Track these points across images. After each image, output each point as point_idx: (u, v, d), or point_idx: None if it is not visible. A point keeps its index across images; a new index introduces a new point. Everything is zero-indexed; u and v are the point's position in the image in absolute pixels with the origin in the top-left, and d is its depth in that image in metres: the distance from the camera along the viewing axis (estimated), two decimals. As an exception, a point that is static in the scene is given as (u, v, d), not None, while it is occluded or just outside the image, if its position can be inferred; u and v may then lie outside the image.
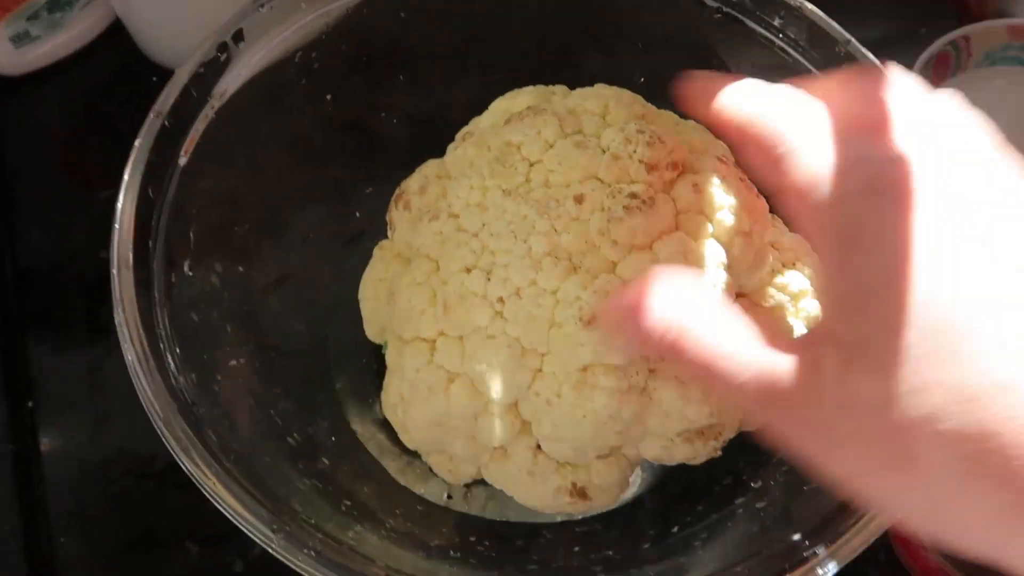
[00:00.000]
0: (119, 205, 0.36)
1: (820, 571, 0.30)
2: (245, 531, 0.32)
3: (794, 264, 0.41)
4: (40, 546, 0.47)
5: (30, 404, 0.50)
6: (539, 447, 0.38)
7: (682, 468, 0.39)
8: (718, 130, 0.31)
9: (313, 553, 0.32)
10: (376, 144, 0.50)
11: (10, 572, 0.46)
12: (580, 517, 0.44)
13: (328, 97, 0.47)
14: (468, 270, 0.37)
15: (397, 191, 0.43)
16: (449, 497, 0.45)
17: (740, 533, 0.36)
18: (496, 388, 0.36)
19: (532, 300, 0.36)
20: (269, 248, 0.46)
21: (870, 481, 0.24)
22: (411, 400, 0.38)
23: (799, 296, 0.39)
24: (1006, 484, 0.21)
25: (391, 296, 0.41)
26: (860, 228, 0.24)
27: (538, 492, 0.39)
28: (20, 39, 0.58)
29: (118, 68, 0.62)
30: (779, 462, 0.39)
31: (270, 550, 0.32)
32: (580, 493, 0.39)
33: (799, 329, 0.39)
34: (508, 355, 0.36)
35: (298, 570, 0.32)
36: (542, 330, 0.36)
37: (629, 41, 0.48)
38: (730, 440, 0.39)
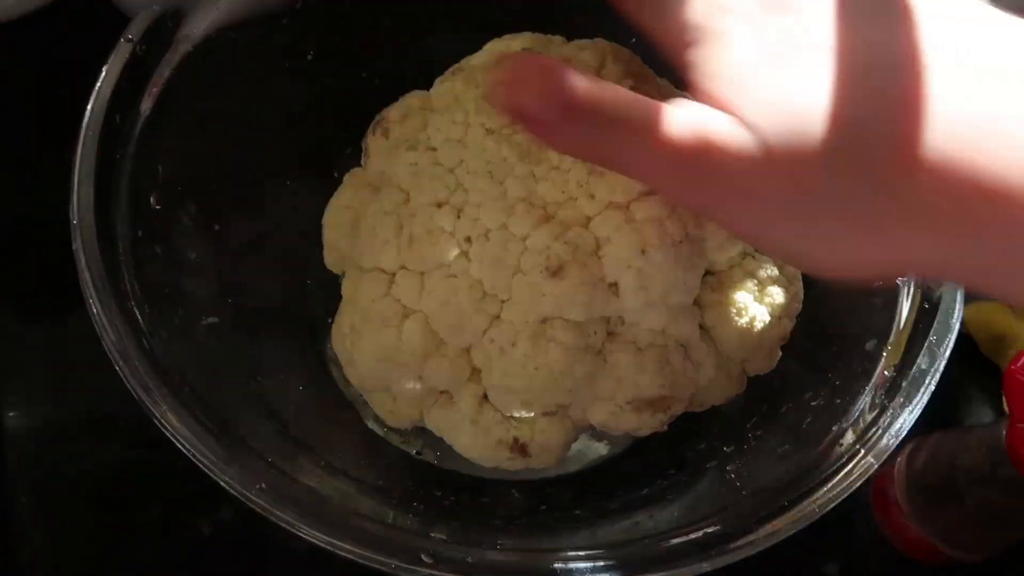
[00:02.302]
0: (79, 147, 0.34)
1: (786, 525, 0.30)
2: (197, 463, 0.30)
3: (766, 250, 0.40)
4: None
5: None
6: (486, 397, 0.38)
7: (656, 435, 0.38)
8: None
9: (264, 486, 0.30)
10: (357, 104, 0.48)
11: (-36, 532, 0.44)
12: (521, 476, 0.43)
13: (309, 57, 0.46)
14: (439, 205, 0.36)
15: (377, 117, 0.42)
16: (418, 453, 0.44)
17: (708, 492, 0.36)
18: (451, 329, 0.35)
19: (500, 244, 0.35)
20: (243, 206, 0.44)
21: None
22: (362, 331, 0.37)
23: (766, 282, 0.39)
24: None
25: (356, 224, 0.40)
26: None
27: (479, 442, 0.38)
28: None
29: (88, 21, 0.59)
30: (753, 427, 0.38)
31: (221, 482, 0.30)
32: (521, 449, 0.38)
33: (762, 316, 0.38)
34: (468, 296, 0.35)
35: (251, 506, 0.30)
36: (506, 275, 0.35)
37: None
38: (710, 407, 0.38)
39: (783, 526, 0.30)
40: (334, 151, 0.49)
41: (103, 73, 0.35)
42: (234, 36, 0.41)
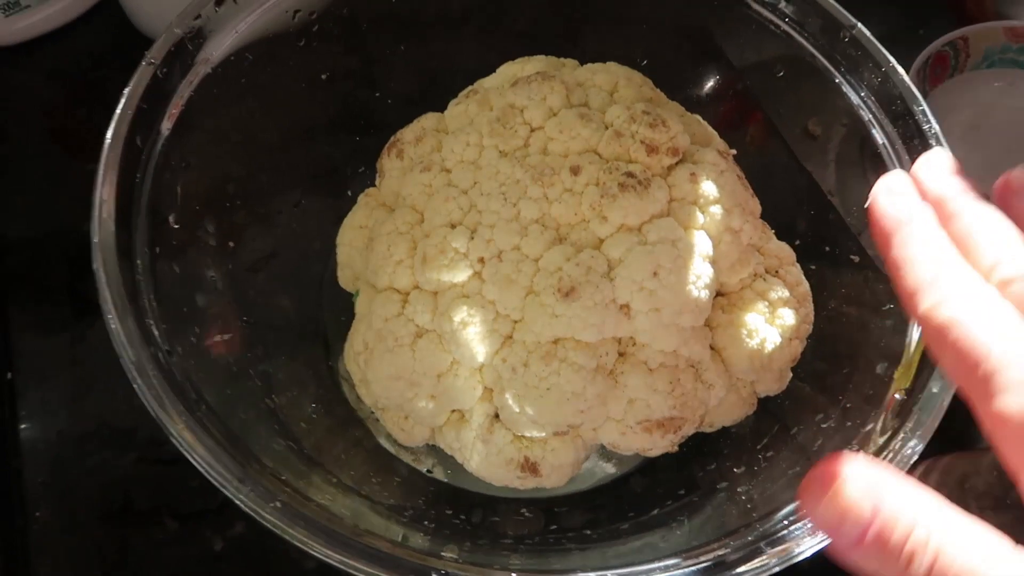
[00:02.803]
0: (101, 168, 0.34)
1: (798, 549, 0.30)
2: (212, 480, 0.30)
3: (776, 271, 0.41)
4: (14, 519, 0.45)
5: (8, 375, 0.49)
6: (497, 416, 0.38)
7: (666, 455, 0.38)
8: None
9: (279, 504, 0.30)
10: (370, 123, 0.49)
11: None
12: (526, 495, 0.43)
13: (324, 77, 0.47)
14: (453, 226, 0.36)
15: (392, 139, 0.42)
16: (429, 471, 0.44)
17: (719, 514, 0.36)
18: (464, 349, 0.36)
19: (513, 265, 0.35)
20: (258, 224, 0.45)
21: None
22: (375, 350, 0.37)
23: (777, 304, 0.39)
24: None
25: (370, 243, 0.40)
26: None
27: (490, 462, 0.38)
28: (10, 7, 0.55)
29: (109, 41, 0.61)
30: (764, 448, 0.38)
31: (236, 500, 0.30)
32: (531, 468, 0.38)
33: (773, 338, 0.39)
34: (481, 317, 0.35)
35: (265, 523, 0.30)
36: (518, 296, 0.35)
37: (631, 22, 0.48)
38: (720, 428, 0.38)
39: (794, 549, 0.30)
40: (348, 171, 0.50)
41: (124, 96, 0.36)
42: (251, 57, 0.41)
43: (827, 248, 0.45)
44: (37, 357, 0.50)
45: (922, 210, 0.27)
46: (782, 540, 0.30)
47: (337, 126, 0.50)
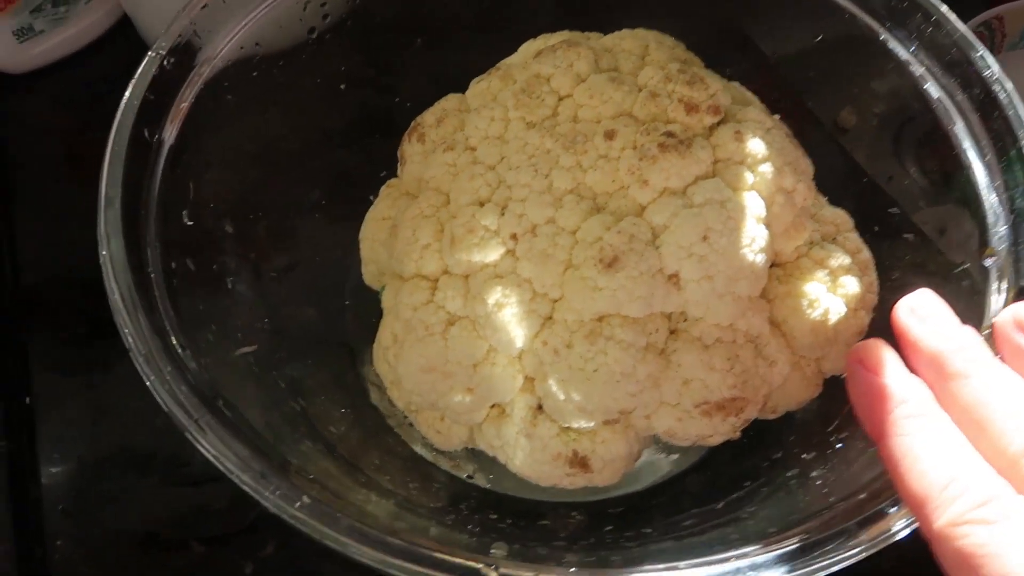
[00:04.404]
0: (107, 160, 0.33)
1: (892, 527, 0.27)
2: (230, 475, 0.27)
3: (834, 239, 0.38)
4: (32, 548, 0.43)
5: (27, 400, 0.47)
6: (540, 408, 0.35)
7: (724, 445, 0.35)
8: None
9: (308, 501, 0.27)
10: (392, 128, 0.47)
11: (-1, 577, 0.43)
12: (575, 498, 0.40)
13: (342, 87, 0.46)
14: (481, 203, 0.34)
15: (412, 123, 0.40)
16: (470, 477, 0.41)
17: (795, 499, 0.32)
18: (500, 334, 0.33)
19: (548, 238, 0.32)
20: (280, 233, 0.43)
21: None
22: (405, 341, 0.35)
23: (838, 272, 0.36)
24: None
25: (393, 231, 0.38)
26: None
27: (535, 459, 0.35)
28: (23, 33, 0.55)
29: (123, 66, 0.60)
30: (836, 429, 0.35)
31: (257, 497, 0.27)
32: (581, 463, 0.35)
33: (837, 308, 0.35)
34: (517, 297, 0.32)
35: (293, 523, 0.27)
36: (556, 272, 0.32)
37: (656, 17, 0.46)
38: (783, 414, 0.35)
39: (890, 527, 0.26)
40: (370, 174, 0.48)
41: (130, 86, 0.34)
42: (262, 56, 0.40)
43: (876, 228, 0.42)
44: (54, 381, 0.48)
45: (918, 388, 0.26)
46: (875, 519, 0.27)
47: (358, 130, 0.48)
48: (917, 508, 0.23)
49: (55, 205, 0.55)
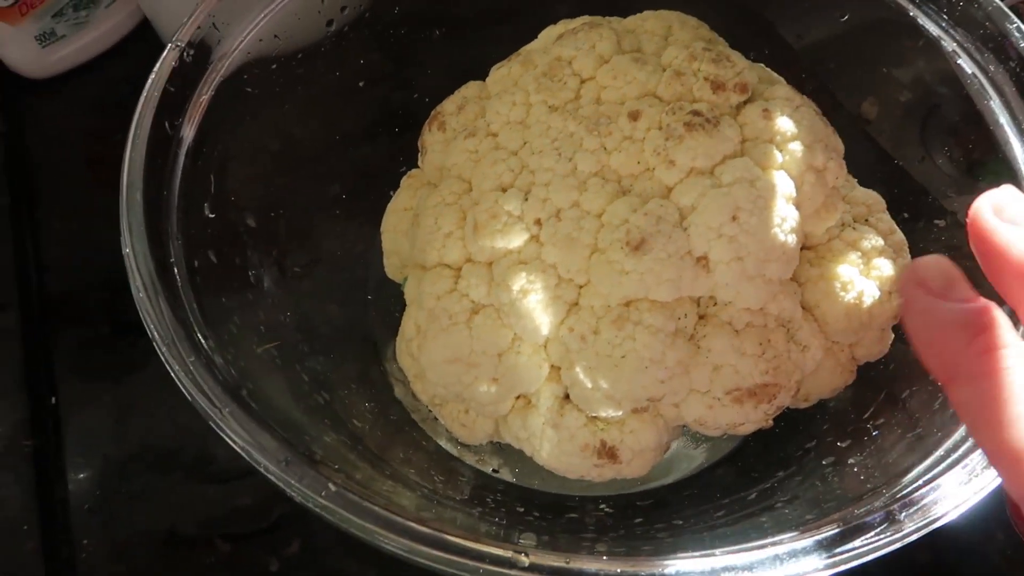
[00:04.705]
0: (127, 151, 0.33)
1: (935, 513, 0.25)
2: (263, 471, 0.27)
3: (866, 220, 0.37)
4: (59, 548, 0.43)
5: (53, 400, 0.47)
6: (567, 398, 0.34)
7: (756, 435, 0.34)
8: None
9: (333, 489, 0.26)
10: (410, 122, 0.47)
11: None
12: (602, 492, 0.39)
13: (361, 84, 0.45)
14: (504, 189, 0.33)
15: (433, 112, 0.40)
16: (495, 471, 0.40)
17: (831, 487, 0.31)
18: (525, 321, 0.32)
19: (573, 222, 0.32)
20: (300, 227, 0.43)
21: None
22: (428, 331, 0.34)
23: (871, 254, 0.35)
24: None
25: (415, 221, 0.37)
26: None
27: (562, 450, 0.34)
28: (46, 38, 0.55)
29: (146, 67, 0.60)
30: (872, 416, 0.34)
31: (282, 485, 0.26)
32: (609, 454, 0.34)
33: (871, 291, 0.34)
34: (542, 283, 0.32)
35: (320, 512, 0.26)
36: (582, 256, 0.31)
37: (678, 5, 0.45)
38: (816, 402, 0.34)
39: (934, 511, 0.25)
40: (390, 169, 0.48)
41: (151, 78, 0.34)
42: (283, 60, 0.40)
43: (906, 214, 0.41)
44: (80, 382, 0.48)
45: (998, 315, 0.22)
46: (916, 503, 0.26)
47: (378, 127, 0.48)
48: (1011, 463, 0.20)
49: (78, 208, 0.55)
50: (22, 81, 0.58)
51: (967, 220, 0.24)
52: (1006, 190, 0.24)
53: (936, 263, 0.24)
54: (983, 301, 0.22)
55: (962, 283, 0.23)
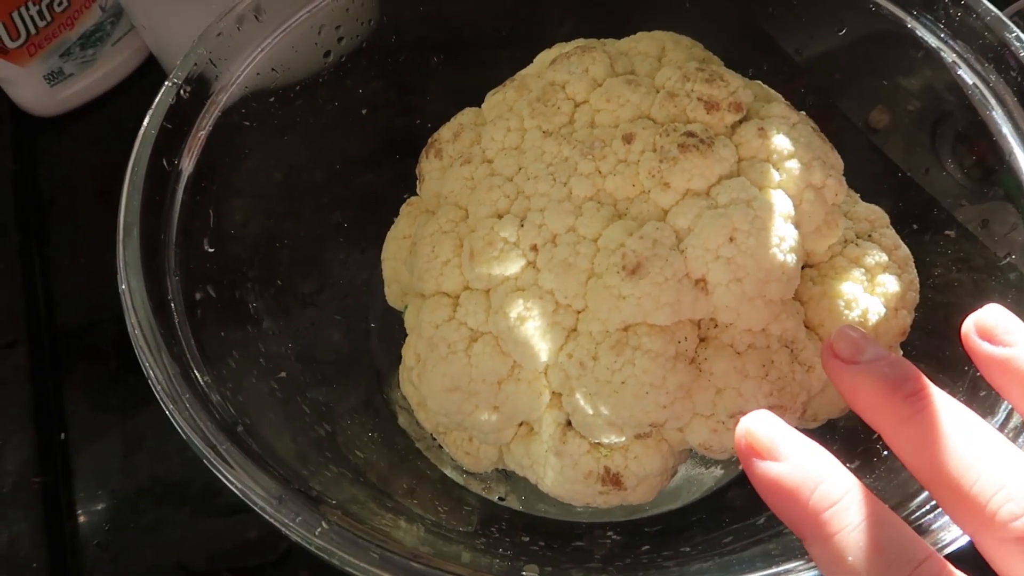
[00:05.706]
0: (125, 189, 0.33)
1: (942, 539, 0.25)
2: (256, 509, 0.27)
3: (870, 236, 0.36)
4: None
5: (63, 436, 0.48)
6: (569, 424, 0.34)
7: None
8: None
9: (326, 527, 0.26)
10: (411, 148, 0.47)
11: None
12: (613, 518, 0.38)
13: (364, 111, 0.46)
14: (499, 215, 0.33)
15: (429, 140, 0.40)
16: (502, 499, 0.40)
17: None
18: (523, 348, 0.32)
19: (570, 247, 0.31)
20: (301, 257, 0.43)
21: None
22: (428, 360, 0.34)
23: (875, 270, 0.34)
24: None
25: (413, 249, 0.37)
26: None
27: (566, 477, 0.34)
28: (54, 77, 0.56)
29: (153, 102, 0.61)
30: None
31: (276, 523, 0.26)
32: (614, 480, 0.33)
33: (876, 308, 0.34)
34: (539, 309, 0.32)
35: (316, 552, 0.26)
36: (579, 281, 0.31)
37: (670, 13, 0.45)
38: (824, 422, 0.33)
39: (943, 538, 0.25)
40: (392, 196, 0.48)
41: (148, 115, 0.34)
42: (281, 92, 0.40)
43: (915, 225, 0.41)
44: (89, 416, 0.48)
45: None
46: (924, 529, 0.25)
47: (380, 154, 0.48)
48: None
49: (87, 243, 0.55)
50: (32, 119, 0.58)
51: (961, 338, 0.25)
52: (989, 311, 0.25)
53: (842, 333, 0.25)
54: (894, 356, 0.25)
55: (871, 344, 0.25)
